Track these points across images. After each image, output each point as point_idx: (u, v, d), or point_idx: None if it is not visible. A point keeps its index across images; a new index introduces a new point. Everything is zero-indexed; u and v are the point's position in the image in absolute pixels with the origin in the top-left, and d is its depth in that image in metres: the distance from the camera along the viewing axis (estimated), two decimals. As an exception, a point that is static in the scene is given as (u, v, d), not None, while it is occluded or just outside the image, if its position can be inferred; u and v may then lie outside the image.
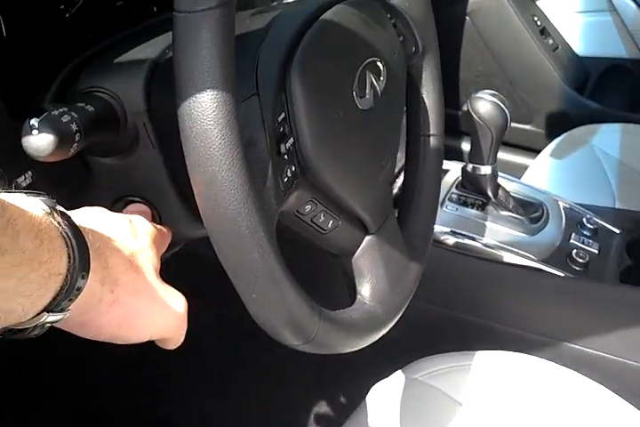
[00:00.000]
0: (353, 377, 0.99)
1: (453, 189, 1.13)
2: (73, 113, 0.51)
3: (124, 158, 0.60)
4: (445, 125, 0.80)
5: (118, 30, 0.68)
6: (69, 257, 0.40)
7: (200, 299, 0.58)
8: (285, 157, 0.54)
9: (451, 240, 1.06)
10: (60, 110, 0.51)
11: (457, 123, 1.77)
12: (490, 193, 1.09)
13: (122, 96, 0.57)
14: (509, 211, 1.09)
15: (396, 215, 0.75)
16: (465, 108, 1.05)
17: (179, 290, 0.52)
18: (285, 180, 0.54)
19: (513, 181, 1.22)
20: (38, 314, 0.40)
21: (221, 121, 0.44)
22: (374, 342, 0.64)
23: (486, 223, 1.07)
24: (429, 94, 0.77)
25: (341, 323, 0.58)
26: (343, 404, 1.18)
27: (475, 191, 1.11)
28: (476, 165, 1.08)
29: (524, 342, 0.98)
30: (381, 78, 0.64)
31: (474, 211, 1.09)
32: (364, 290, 0.66)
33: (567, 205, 1.18)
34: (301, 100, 0.54)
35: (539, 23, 1.97)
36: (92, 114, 0.54)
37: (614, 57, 2.01)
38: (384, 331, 0.65)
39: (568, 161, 1.56)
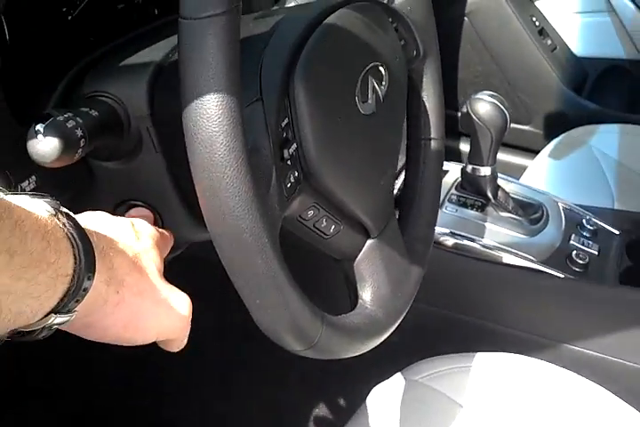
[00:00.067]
0: (353, 379, 0.99)
1: (453, 191, 1.13)
2: (78, 118, 0.51)
3: (126, 162, 0.60)
4: (444, 126, 0.80)
5: (120, 33, 0.68)
6: (75, 258, 0.41)
7: (202, 301, 0.58)
8: (288, 162, 0.54)
9: (450, 241, 1.06)
10: (65, 116, 0.51)
11: (455, 124, 1.77)
12: (489, 194, 1.09)
13: (125, 100, 0.57)
14: (509, 212, 1.09)
15: (397, 217, 0.76)
16: (465, 109, 1.05)
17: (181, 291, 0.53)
18: (288, 185, 0.54)
19: (512, 182, 1.22)
20: (46, 316, 0.40)
21: (226, 128, 0.44)
22: (374, 345, 0.64)
23: (486, 224, 1.07)
24: (430, 98, 0.77)
25: (344, 328, 0.58)
26: (344, 406, 1.18)
27: (474, 192, 1.11)
28: (475, 167, 1.08)
29: (524, 344, 0.98)
30: (383, 83, 0.64)
31: (473, 212, 1.09)
32: (366, 294, 0.66)
33: (567, 206, 1.18)
34: (305, 105, 0.55)
35: (537, 24, 1.97)
36: (97, 119, 0.54)
37: (613, 57, 2.01)
38: (385, 335, 0.65)
39: (566, 162, 1.56)
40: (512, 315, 1.02)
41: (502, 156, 1.89)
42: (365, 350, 0.62)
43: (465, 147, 1.98)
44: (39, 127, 0.49)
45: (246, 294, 0.50)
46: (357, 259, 0.67)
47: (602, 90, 1.99)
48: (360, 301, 0.66)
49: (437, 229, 1.04)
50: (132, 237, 0.51)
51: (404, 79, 0.72)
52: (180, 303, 0.51)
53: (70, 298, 0.40)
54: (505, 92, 1.90)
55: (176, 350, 0.54)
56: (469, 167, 1.08)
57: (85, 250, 0.41)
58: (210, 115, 0.44)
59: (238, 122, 0.44)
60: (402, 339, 0.79)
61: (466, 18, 1.95)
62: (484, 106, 1.02)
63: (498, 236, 1.06)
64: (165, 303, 0.50)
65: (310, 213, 0.60)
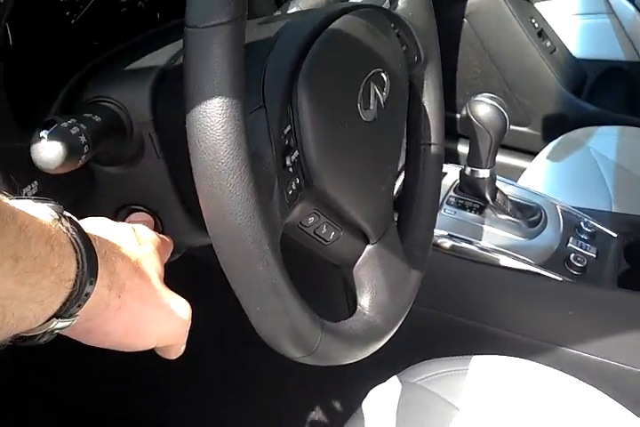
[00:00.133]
0: (350, 382, 0.99)
1: (451, 193, 1.13)
2: (82, 125, 0.51)
3: (128, 168, 0.60)
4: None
5: (124, 38, 0.68)
6: (78, 263, 0.41)
7: (202, 307, 0.58)
8: (290, 169, 0.54)
9: (448, 244, 1.05)
10: (69, 122, 0.51)
11: (454, 125, 1.77)
12: (488, 196, 1.08)
13: (128, 106, 0.57)
14: (507, 214, 1.09)
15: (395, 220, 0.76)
16: (464, 111, 1.05)
17: (181, 296, 0.53)
18: (290, 192, 0.54)
19: (511, 184, 1.22)
20: (48, 320, 0.40)
21: (230, 136, 0.44)
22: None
23: (484, 227, 1.07)
24: (430, 104, 0.77)
25: (342, 335, 0.58)
26: (341, 409, 1.18)
27: (473, 195, 1.11)
28: (474, 169, 1.07)
29: (521, 347, 0.98)
30: (385, 89, 0.64)
31: (471, 214, 1.09)
32: (364, 300, 0.66)
33: (565, 209, 1.17)
34: (308, 113, 0.55)
35: (536, 25, 1.97)
36: (100, 124, 0.54)
37: (612, 59, 2.01)
38: (384, 341, 0.65)
39: (565, 164, 1.56)
40: (509, 317, 1.02)
41: (500, 157, 1.88)
42: (364, 356, 0.62)
43: (463, 149, 1.98)
44: (43, 134, 0.49)
45: (246, 300, 0.50)
46: (356, 265, 0.67)
47: (601, 92, 1.99)
48: (359, 307, 0.66)
49: (435, 232, 1.04)
50: (134, 243, 0.51)
51: (406, 85, 0.72)
52: (180, 309, 0.52)
53: (73, 303, 0.41)
54: (504, 94, 1.90)
55: (174, 357, 0.54)
56: (468, 169, 1.08)
57: (88, 255, 0.42)
58: (214, 123, 0.44)
59: (242, 130, 0.45)
60: (399, 341, 0.79)
61: (465, 19, 1.95)
62: (483, 108, 1.01)
63: (496, 238, 1.06)
64: (166, 308, 0.50)
65: (311, 219, 0.60)
